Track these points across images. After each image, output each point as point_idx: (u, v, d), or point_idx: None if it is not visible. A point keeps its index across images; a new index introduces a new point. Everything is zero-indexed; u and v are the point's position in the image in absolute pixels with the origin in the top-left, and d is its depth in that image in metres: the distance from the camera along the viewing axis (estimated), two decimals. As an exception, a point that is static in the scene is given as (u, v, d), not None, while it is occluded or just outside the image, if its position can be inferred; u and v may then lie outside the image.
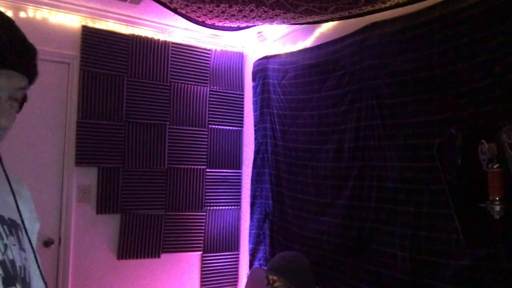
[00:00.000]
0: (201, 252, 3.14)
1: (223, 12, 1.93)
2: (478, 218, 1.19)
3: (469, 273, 1.53)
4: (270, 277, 1.98)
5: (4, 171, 0.82)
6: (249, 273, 2.92)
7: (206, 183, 3.17)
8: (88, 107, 2.73)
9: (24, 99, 0.85)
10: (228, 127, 3.30)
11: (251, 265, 2.98)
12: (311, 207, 2.44)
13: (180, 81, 3.09)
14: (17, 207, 0.83)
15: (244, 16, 1.98)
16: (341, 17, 2.00)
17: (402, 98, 1.87)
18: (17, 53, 0.77)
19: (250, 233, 3.02)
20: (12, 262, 0.79)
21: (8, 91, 0.78)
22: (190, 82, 3.13)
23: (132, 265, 2.88)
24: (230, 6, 1.84)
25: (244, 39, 3.25)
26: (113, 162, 2.81)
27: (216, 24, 2.21)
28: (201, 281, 3.13)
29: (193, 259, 3.12)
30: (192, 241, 3.09)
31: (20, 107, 0.85)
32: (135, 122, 2.89)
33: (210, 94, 3.22)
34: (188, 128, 3.11)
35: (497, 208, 1.07)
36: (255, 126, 3.10)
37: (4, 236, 0.81)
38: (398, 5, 1.76)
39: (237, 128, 3.34)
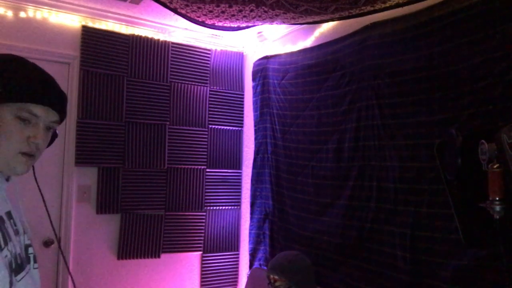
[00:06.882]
0: (201, 252, 3.14)
1: (223, 12, 1.93)
2: (478, 218, 1.18)
3: (469, 273, 1.53)
4: (271, 276, 1.98)
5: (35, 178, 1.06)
6: (249, 273, 2.92)
7: (206, 183, 3.17)
8: (88, 107, 2.73)
9: (55, 134, 1.02)
10: (228, 127, 3.30)
11: (251, 265, 2.98)
12: (311, 207, 2.44)
13: (180, 81, 3.08)
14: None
15: (244, 16, 1.97)
16: (341, 17, 2.00)
17: (402, 98, 1.87)
18: (52, 93, 0.96)
19: (250, 233, 3.02)
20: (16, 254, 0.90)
21: (45, 122, 0.94)
22: (190, 82, 3.13)
23: (132, 265, 2.88)
24: (230, 6, 1.83)
25: (244, 39, 3.25)
26: (113, 162, 2.81)
27: (216, 24, 2.21)
28: (201, 281, 3.13)
29: (193, 259, 3.12)
30: (192, 241, 3.09)
31: (51, 142, 1.01)
32: (135, 122, 2.89)
33: (210, 94, 3.22)
34: (188, 128, 3.11)
35: (497, 208, 1.07)
36: (255, 126, 3.09)
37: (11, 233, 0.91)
38: (398, 5, 1.76)
39: (237, 128, 3.34)
